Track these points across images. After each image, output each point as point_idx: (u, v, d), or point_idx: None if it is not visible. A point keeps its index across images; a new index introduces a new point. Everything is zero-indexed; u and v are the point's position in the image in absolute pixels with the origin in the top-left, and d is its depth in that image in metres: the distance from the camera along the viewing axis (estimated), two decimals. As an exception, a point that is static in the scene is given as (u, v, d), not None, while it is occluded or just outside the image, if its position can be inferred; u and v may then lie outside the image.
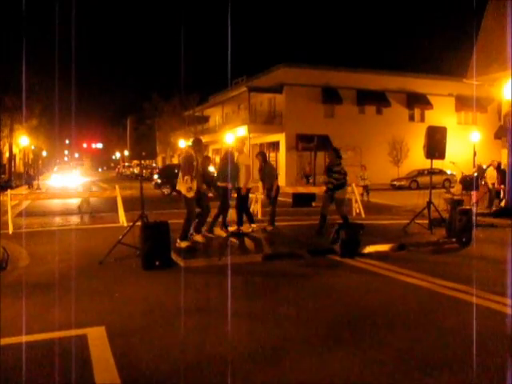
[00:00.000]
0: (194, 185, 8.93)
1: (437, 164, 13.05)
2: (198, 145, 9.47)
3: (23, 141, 40.45)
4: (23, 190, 31.66)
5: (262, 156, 11.59)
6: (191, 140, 9.78)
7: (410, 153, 35.95)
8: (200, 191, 9.40)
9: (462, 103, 40.46)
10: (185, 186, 8.86)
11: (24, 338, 4.73)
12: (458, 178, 28.40)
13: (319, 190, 18.18)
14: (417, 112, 40.84)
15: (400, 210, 17.98)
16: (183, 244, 8.96)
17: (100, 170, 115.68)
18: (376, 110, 39.51)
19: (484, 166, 22.93)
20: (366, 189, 20.77)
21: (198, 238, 9.59)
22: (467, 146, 34.02)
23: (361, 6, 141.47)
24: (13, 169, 41.10)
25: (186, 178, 8.83)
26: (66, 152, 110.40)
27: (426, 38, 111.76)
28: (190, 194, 8.91)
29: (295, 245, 9.65)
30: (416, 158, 31.50)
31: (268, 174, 11.42)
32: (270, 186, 11.28)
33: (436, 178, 28.73)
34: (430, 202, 11.17)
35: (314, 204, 17.86)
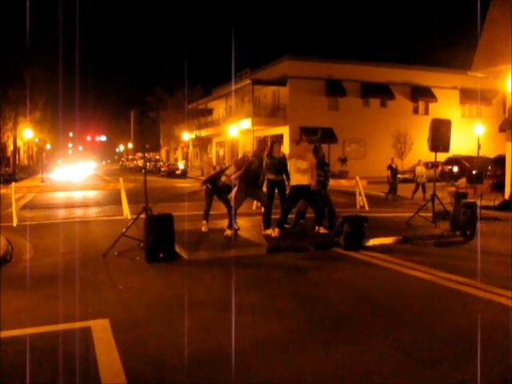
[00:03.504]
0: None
1: (441, 157, 12.98)
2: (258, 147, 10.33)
3: (27, 134, 40.45)
4: (38, 180, 31.52)
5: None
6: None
7: (414, 146, 35.73)
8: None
9: (467, 96, 40.23)
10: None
11: (28, 331, 4.74)
12: (463, 171, 28.32)
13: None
14: (421, 105, 40.65)
15: (404, 202, 17.95)
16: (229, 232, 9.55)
17: (103, 162, 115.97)
18: (380, 102, 39.37)
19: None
20: (423, 186, 19.04)
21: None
22: (471, 138, 33.84)
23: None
24: (17, 162, 41.18)
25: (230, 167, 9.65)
26: (70, 145, 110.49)
27: (430, 31, 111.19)
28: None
29: (299, 237, 9.65)
30: (420, 151, 31.25)
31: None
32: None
33: (440, 171, 28.65)
34: (434, 195, 11.13)
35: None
